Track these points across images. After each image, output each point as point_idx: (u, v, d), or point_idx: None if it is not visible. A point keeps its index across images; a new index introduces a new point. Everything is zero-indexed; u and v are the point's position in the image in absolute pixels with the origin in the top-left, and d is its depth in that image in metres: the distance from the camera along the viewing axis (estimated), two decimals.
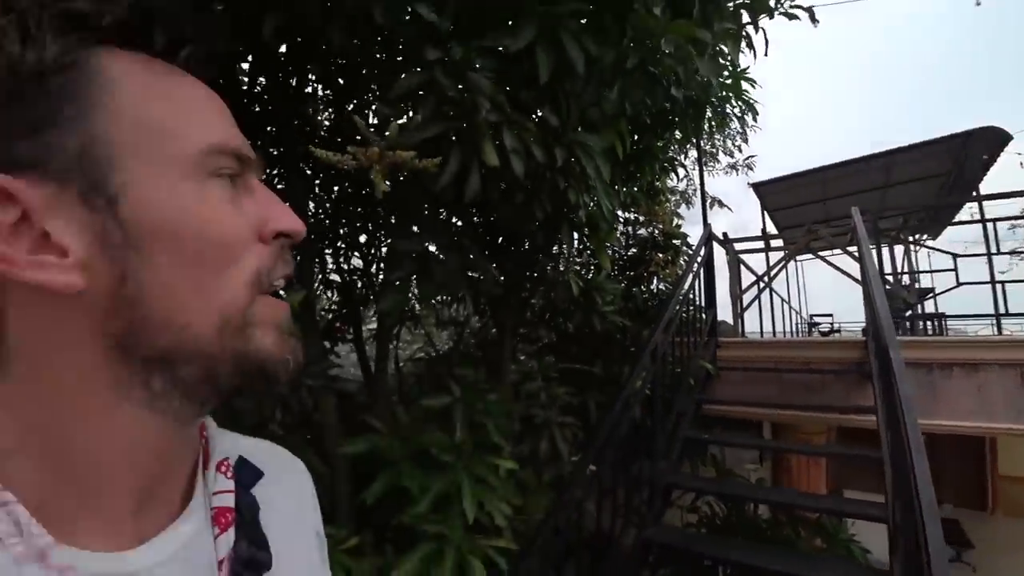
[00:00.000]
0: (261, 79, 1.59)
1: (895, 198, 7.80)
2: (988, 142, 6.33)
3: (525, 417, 2.53)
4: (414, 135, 1.05)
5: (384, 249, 2.12)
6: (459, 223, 1.54)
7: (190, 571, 0.35)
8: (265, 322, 0.34)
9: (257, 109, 1.56)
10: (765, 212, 7.52)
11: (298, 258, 1.81)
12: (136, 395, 0.32)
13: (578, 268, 3.10)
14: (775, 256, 6.42)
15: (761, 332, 5.54)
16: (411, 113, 1.15)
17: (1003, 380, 3.26)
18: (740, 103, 2.40)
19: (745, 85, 2.76)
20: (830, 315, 8.78)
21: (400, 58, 1.31)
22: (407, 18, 1.12)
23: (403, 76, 1.10)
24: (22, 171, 0.29)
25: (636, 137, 2.25)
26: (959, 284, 4.98)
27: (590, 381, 3.24)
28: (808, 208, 7.96)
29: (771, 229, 8.16)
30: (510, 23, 1.41)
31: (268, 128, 1.67)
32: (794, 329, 8.45)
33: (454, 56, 1.10)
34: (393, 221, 1.68)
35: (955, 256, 5.14)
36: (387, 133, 0.98)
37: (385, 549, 1.78)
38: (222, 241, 0.33)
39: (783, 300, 7.22)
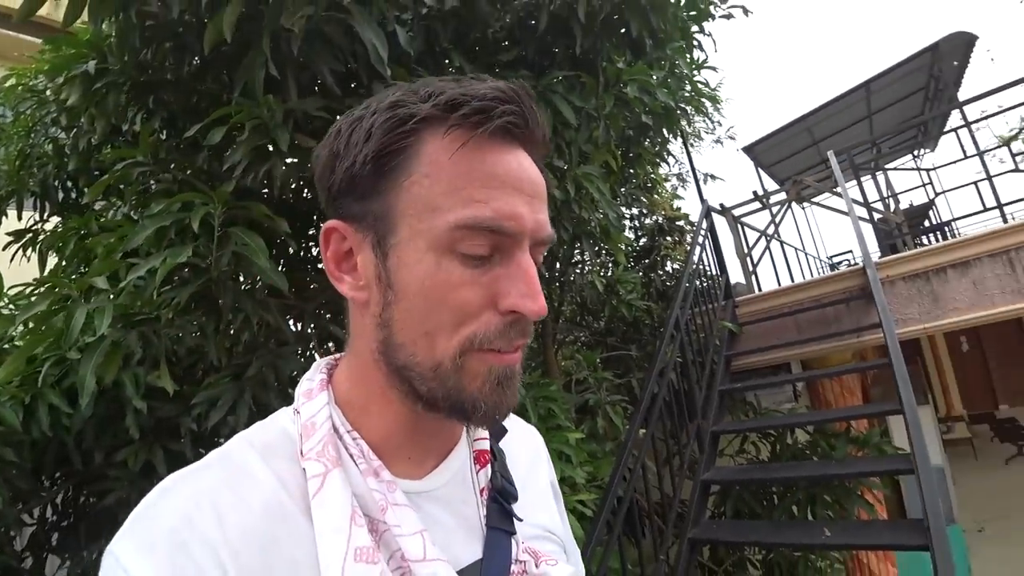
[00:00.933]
0: None
1: (882, 124, 8.13)
2: (956, 48, 6.61)
3: (581, 406, 3.02)
4: None
5: None
6: None
7: (461, 492, 0.49)
8: (474, 372, 0.41)
9: None
10: (760, 171, 7.92)
11: None
12: (395, 390, 0.44)
13: (599, 269, 3.59)
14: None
15: (778, 284, 5.96)
16: None
17: (994, 268, 3.67)
18: (704, 99, 2.87)
19: (708, 75, 3.25)
20: (849, 251, 9.19)
21: None
22: None
23: None
24: (351, 222, 0.43)
25: (623, 149, 2.74)
26: (937, 194, 5.42)
27: (630, 364, 3.72)
28: (801, 156, 8.35)
29: (772, 185, 8.55)
30: None
31: None
32: (817, 273, 8.84)
33: None
34: None
35: (928, 171, 5.58)
36: None
37: None
38: (445, 306, 0.40)
39: (797, 249, 7.62)
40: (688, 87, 2.68)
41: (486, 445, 0.52)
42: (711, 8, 2.62)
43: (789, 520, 3.03)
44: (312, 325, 2.25)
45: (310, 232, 2.50)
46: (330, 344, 2.34)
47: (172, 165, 1.81)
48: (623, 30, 2.04)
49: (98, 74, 1.79)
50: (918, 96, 7.78)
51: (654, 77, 2.19)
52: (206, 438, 1.88)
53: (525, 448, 0.60)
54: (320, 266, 2.46)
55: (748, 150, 7.70)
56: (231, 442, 0.45)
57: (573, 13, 1.87)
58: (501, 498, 0.50)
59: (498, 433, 0.55)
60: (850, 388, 4.63)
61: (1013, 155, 4.59)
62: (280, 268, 2.41)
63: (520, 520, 0.50)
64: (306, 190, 2.25)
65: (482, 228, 0.39)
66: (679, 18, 2.29)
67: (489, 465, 0.51)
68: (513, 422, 0.60)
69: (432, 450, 0.48)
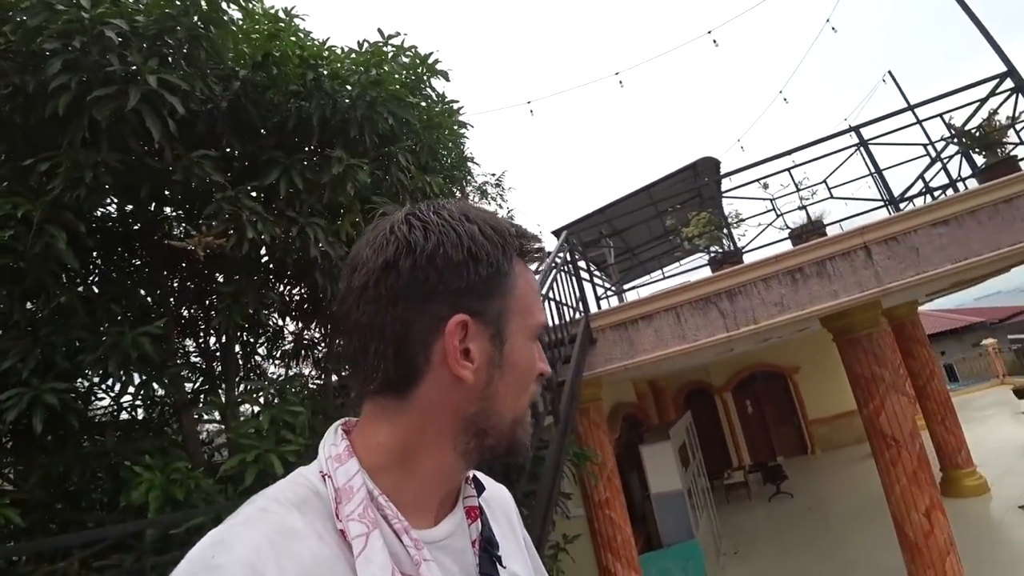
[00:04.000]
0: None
1: (672, 217, 10.47)
2: (708, 167, 9.31)
3: None
4: (216, 229, 2.71)
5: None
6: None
7: (462, 542, 0.63)
8: (526, 422, 0.63)
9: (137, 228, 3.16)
10: None
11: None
12: (458, 447, 0.60)
13: None
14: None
15: None
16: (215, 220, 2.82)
17: (667, 320, 5.44)
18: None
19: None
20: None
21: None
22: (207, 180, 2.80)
23: (208, 207, 2.78)
24: (472, 315, 0.58)
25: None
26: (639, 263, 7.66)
27: None
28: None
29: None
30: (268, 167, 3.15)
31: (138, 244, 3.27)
32: None
33: (229, 196, 2.80)
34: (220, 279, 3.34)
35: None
36: (203, 229, 2.64)
37: None
38: (531, 376, 0.63)
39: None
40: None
41: (475, 502, 0.66)
42: (444, 120, 4.14)
43: None
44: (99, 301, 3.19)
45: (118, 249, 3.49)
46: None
47: (9, 180, 2.74)
48: (351, 133, 3.38)
49: None
50: (695, 201, 10.25)
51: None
52: None
53: (499, 504, 0.76)
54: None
55: (556, 234, 9.53)
56: (260, 500, 0.55)
57: (310, 120, 3.19)
58: (489, 547, 0.64)
59: (479, 489, 0.68)
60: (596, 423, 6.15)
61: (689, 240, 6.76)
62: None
63: (504, 568, 0.65)
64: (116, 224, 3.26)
65: (543, 324, 0.66)
66: (399, 125, 3.69)
67: (479, 519, 0.65)
68: (486, 480, 0.76)
69: (444, 504, 0.63)
